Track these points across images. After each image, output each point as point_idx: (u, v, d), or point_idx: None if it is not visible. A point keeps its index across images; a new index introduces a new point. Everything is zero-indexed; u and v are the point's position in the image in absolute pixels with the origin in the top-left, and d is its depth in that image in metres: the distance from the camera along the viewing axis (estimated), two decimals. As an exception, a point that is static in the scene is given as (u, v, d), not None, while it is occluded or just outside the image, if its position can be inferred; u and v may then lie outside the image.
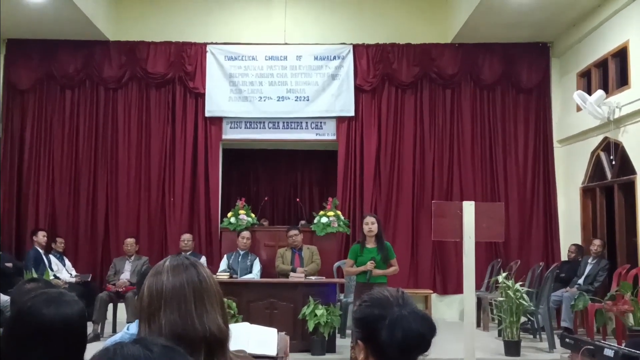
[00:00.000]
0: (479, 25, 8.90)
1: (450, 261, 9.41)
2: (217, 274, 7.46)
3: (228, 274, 7.58)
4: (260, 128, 9.85)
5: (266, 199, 10.54)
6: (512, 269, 8.32)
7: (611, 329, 7.44)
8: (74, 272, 8.87)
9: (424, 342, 1.68)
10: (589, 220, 8.97)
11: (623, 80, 8.00)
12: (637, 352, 3.81)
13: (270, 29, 9.76)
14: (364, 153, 9.70)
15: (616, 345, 4.33)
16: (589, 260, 8.17)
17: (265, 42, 9.76)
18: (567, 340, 5.09)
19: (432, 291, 9.25)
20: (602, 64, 8.61)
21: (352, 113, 9.67)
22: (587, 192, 9.01)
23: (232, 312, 6.55)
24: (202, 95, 9.73)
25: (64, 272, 8.68)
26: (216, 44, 9.78)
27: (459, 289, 8.21)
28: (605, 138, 8.27)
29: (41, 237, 8.68)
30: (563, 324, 7.70)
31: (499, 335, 7.41)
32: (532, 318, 7.57)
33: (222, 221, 8.91)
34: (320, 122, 9.82)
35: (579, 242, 8.90)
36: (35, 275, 7.05)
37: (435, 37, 9.79)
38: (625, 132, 7.84)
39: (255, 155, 12.08)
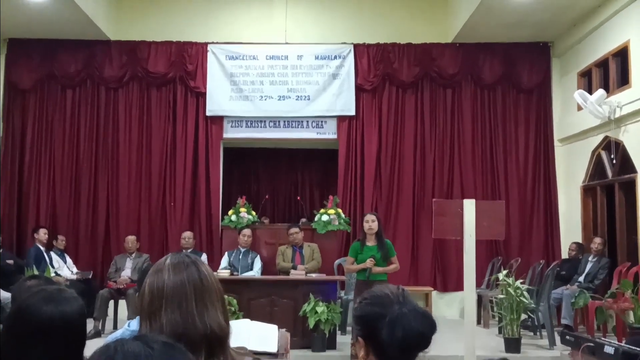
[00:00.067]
0: (479, 25, 8.90)
1: (450, 259, 9.41)
2: (218, 271, 7.49)
3: (229, 271, 7.61)
4: (261, 127, 9.85)
5: (267, 197, 10.54)
6: (513, 266, 8.32)
7: (611, 327, 7.45)
8: (75, 270, 8.89)
9: (424, 339, 1.69)
10: (590, 219, 8.98)
11: (624, 80, 8.00)
12: (638, 349, 3.82)
13: (271, 29, 9.76)
14: (364, 152, 9.70)
15: (616, 343, 4.34)
16: (590, 258, 8.18)
17: (266, 42, 9.77)
18: (568, 337, 5.11)
19: (432, 289, 9.26)
20: (602, 64, 8.61)
21: (352, 112, 9.67)
22: (587, 191, 9.01)
23: (232, 309, 6.57)
24: (203, 95, 9.73)
25: (65, 269, 8.70)
26: (217, 43, 9.79)
27: (459, 287, 8.21)
28: (606, 137, 8.28)
29: (42, 234, 8.70)
30: (563, 321, 7.71)
31: (500, 332, 7.42)
32: (532, 315, 7.59)
33: (223, 219, 8.93)
34: (321, 122, 9.83)
35: (580, 240, 8.90)
36: (36, 272, 7.07)
37: (436, 36, 9.79)
38: (625, 132, 7.85)
39: (256, 154, 12.09)
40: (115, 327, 7.80)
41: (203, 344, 1.57)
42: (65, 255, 9.00)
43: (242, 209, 8.50)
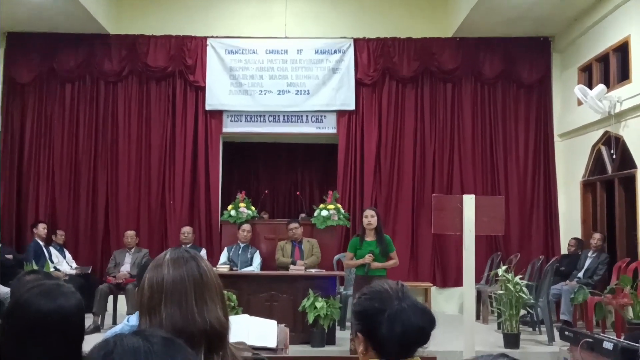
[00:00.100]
0: (479, 20, 8.88)
1: (450, 254, 9.41)
2: (217, 266, 7.48)
3: (228, 266, 7.61)
4: (260, 121, 9.84)
5: (266, 192, 10.53)
6: (512, 262, 8.33)
7: (610, 322, 7.46)
8: (74, 264, 8.89)
9: (423, 335, 1.69)
10: (589, 214, 8.98)
11: (624, 75, 7.99)
12: (636, 345, 3.83)
13: (270, 23, 9.73)
14: (364, 147, 9.69)
15: (615, 338, 4.35)
16: (589, 254, 8.19)
17: (265, 36, 9.74)
18: (567, 333, 5.12)
19: (431, 284, 9.26)
20: (603, 59, 8.60)
21: (352, 107, 9.66)
22: (587, 186, 9.01)
23: (232, 304, 6.57)
24: (203, 89, 9.72)
25: (64, 264, 8.70)
26: (216, 37, 9.76)
27: (458, 282, 8.21)
28: (606, 132, 8.27)
29: (41, 229, 8.69)
30: (562, 317, 7.72)
31: (499, 328, 7.43)
32: (531, 311, 7.60)
33: (222, 214, 8.93)
34: (321, 116, 9.82)
35: (579, 235, 8.91)
36: (35, 267, 7.07)
37: (436, 31, 9.77)
38: (626, 127, 7.84)
39: (256, 148, 12.08)
40: (114, 322, 7.80)
41: (202, 339, 1.56)
42: (65, 250, 9.00)
43: (242, 204, 8.49)
